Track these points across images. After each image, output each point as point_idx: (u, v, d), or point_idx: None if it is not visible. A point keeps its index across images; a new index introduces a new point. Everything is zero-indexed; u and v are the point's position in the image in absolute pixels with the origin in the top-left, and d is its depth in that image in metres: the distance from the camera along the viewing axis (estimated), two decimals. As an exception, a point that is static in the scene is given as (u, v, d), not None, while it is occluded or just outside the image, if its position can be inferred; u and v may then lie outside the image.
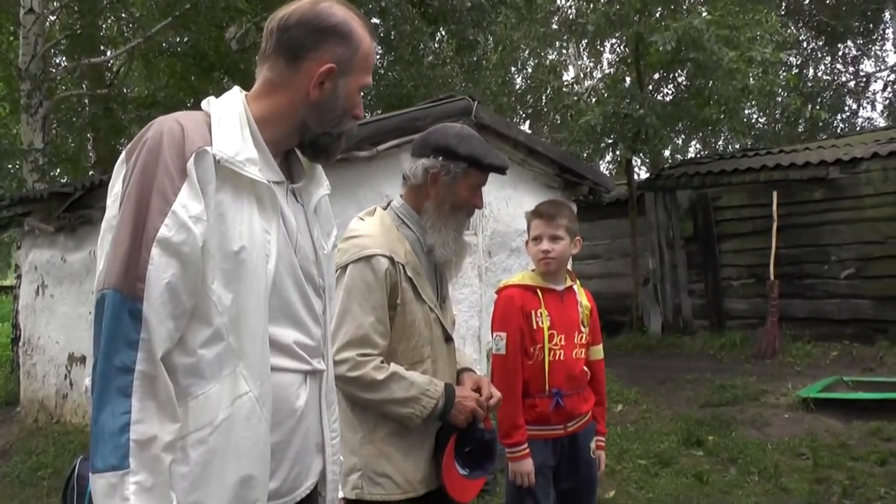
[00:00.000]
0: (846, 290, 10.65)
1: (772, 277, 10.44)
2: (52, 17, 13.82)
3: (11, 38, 13.06)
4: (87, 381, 1.42)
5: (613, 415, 7.42)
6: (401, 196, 2.59)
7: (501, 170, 2.55)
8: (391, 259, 2.37)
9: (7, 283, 26.54)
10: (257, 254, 1.56)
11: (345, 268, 2.37)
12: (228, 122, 1.58)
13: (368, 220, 2.52)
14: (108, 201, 1.53)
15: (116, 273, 1.39)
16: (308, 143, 1.75)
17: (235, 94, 1.67)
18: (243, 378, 1.54)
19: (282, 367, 1.67)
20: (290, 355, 1.71)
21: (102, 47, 15.03)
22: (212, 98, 1.64)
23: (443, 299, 2.61)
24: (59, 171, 15.15)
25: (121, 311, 1.37)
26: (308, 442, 1.77)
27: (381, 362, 2.34)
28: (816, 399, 7.19)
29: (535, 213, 3.15)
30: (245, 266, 1.53)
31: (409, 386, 2.33)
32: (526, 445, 2.99)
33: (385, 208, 2.58)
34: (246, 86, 1.75)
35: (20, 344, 9.57)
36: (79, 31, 13.31)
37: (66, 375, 8.61)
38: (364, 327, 2.32)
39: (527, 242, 3.20)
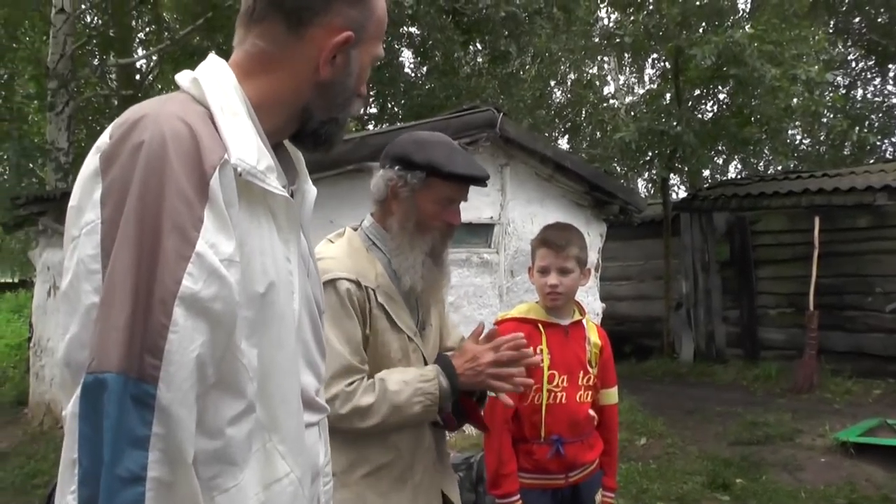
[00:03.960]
0: (891, 325, 10.10)
1: (811, 307, 9.90)
2: (88, 18, 13.83)
3: (44, 36, 13.07)
4: (71, 501, 1.02)
5: (636, 448, 7.04)
6: (371, 215, 2.28)
7: (472, 179, 2.17)
8: (357, 283, 2.08)
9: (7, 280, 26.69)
10: (284, 292, 1.23)
11: None
12: (235, 115, 1.19)
13: (338, 241, 2.24)
14: (75, 231, 1.09)
15: (116, 347, 0.98)
16: (310, 133, 1.37)
17: (223, 69, 1.26)
18: (279, 456, 1.23)
19: (308, 423, 1.37)
20: (311, 407, 1.40)
21: (137, 47, 15.05)
22: (196, 75, 1.23)
23: (423, 326, 2.28)
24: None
25: (123, 399, 0.97)
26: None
27: (368, 379, 2.08)
28: (856, 443, 6.69)
29: (542, 242, 2.82)
30: (273, 310, 1.19)
31: (403, 386, 2.06)
32: (517, 497, 2.66)
33: (356, 229, 2.28)
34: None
35: (31, 345, 9.47)
36: (110, 32, 13.30)
37: (72, 381, 8.46)
38: (345, 356, 2.04)
39: (530, 270, 2.88)
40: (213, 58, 1.29)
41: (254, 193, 1.18)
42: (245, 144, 1.16)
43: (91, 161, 1.12)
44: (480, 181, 2.20)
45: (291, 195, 1.35)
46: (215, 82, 1.22)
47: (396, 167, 2.13)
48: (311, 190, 1.49)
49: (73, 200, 1.12)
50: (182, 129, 1.08)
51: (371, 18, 1.34)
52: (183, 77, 1.24)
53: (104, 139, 1.13)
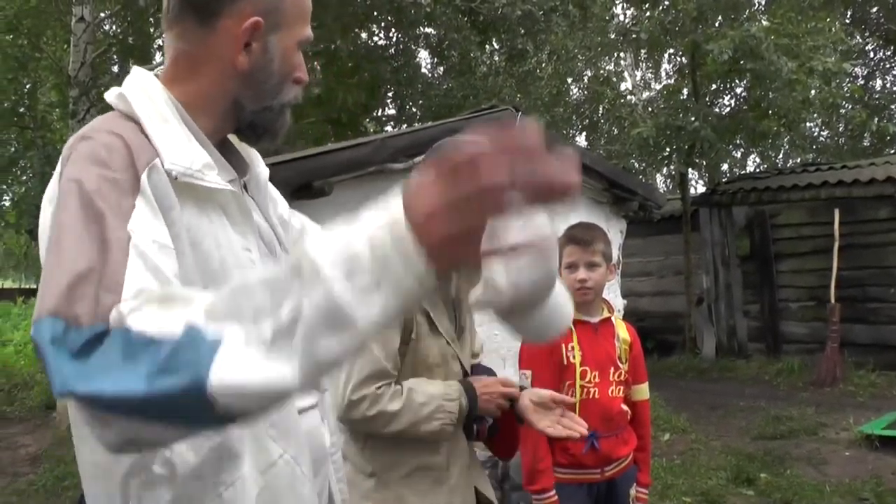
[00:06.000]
0: (915, 316, 10.03)
1: (832, 300, 9.88)
2: (107, 27, 13.96)
3: (65, 45, 13.20)
4: None
5: (660, 444, 7.04)
6: None
7: None
8: None
9: (32, 286, 26.81)
10: None
11: None
12: (163, 121, 1.21)
13: None
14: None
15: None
16: (247, 126, 1.36)
17: (148, 80, 1.27)
18: (270, 439, 1.23)
19: (305, 407, 1.38)
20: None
21: (156, 53, 15.15)
22: (122, 91, 1.24)
23: (461, 330, 2.32)
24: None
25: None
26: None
27: (395, 384, 2.14)
28: (881, 436, 6.67)
29: (569, 239, 2.86)
30: None
31: (429, 399, 2.11)
32: (553, 492, 2.70)
33: None
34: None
35: (58, 350, 9.59)
36: (130, 40, 13.42)
37: (99, 385, 8.56)
38: (381, 361, 2.11)
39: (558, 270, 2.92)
40: (136, 70, 1.31)
41: (199, 192, 1.20)
42: (176, 148, 1.18)
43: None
44: None
45: (245, 186, 1.38)
46: (140, 94, 1.24)
47: None
48: (263, 171, 1.48)
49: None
50: (113, 141, 1.12)
51: (285, 1, 1.31)
52: (110, 95, 1.25)
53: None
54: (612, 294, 8.24)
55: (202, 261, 1.17)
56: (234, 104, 1.32)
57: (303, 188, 5.46)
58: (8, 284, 24.98)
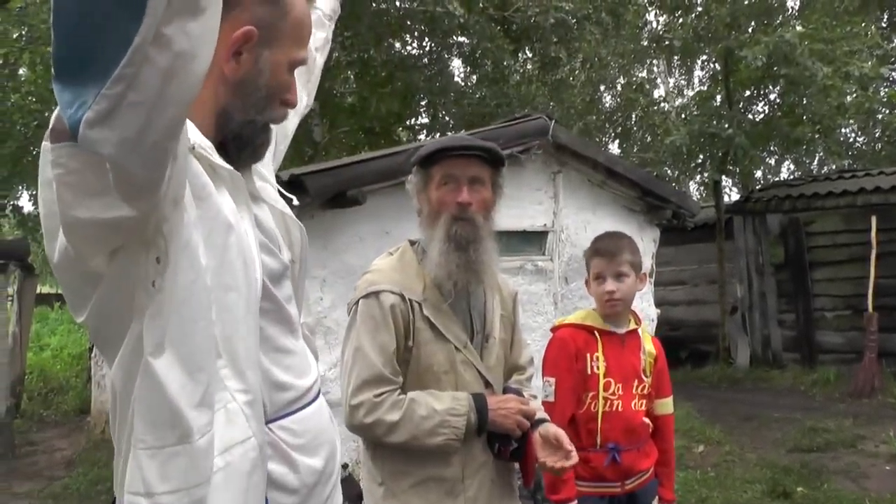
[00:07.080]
0: (955, 325, 9.83)
1: (870, 309, 9.71)
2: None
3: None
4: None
5: (694, 456, 6.97)
6: None
7: (445, 151, 2.21)
8: (401, 296, 2.15)
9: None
10: (249, 265, 1.29)
11: (356, 303, 2.18)
12: None
13: (396, 254, 2.32)
14: None
15: None
16: (232, 137, 1.34)
17: None
18: (245, 417, 1.19)
19: (309, 387, 1.45)
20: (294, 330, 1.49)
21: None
22: None
23: (486, 338, 2.28)
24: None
25: None
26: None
27: (399, 394, 2.12)
28: (922, 450, 6.55)
29: (595, 251, 2.86)
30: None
31: (432, 413, 2.08)
32: (576, 503, 2.67)
33: (414, 243, 2.35)
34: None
35: (91, 354, 9.69)
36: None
37: (133, 390, 8.62)
38: (378, 366, 2.10)
39: (587, 282, 2.90)
40: None
41: (207, 167, 1.22)
42: (190, 128, 1.19)
43: None
44: (452, 149, 2.21)
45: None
46: None
47: (409, 176, 2.30)
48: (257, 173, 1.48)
49: None
50: None
51: (284, 19, 1.31)
52: None
53: None
54: (646, 303, 8.18)
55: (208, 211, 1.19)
56: (223, 113, 1.32)
57: (337, 197, 5.48)
58: (45, 290, 25.22)
